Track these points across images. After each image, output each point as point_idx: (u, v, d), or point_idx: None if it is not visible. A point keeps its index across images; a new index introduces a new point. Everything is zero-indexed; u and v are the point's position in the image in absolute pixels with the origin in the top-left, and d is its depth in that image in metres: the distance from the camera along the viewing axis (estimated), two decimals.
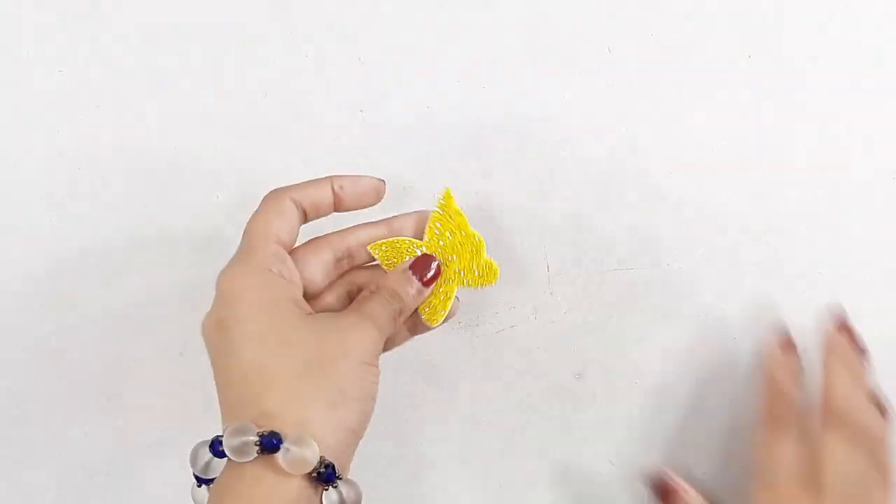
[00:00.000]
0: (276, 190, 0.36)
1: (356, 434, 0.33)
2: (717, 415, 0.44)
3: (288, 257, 0.35)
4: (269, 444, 0.29)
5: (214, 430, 0.45)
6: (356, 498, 0.32)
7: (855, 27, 0.43)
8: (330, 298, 0.37)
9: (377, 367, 0.34)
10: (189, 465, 0.32)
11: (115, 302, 0.45)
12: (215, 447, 0.31)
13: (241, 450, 0.30)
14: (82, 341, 0.44)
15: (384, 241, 0.37)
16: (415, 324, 0.39)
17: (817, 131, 0.44)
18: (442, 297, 0.37)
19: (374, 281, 0.37)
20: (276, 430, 0.30)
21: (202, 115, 0.44)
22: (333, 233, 0.37)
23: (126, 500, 0.46)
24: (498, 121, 0.44)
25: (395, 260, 0.38)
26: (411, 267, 0.37)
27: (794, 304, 0.44)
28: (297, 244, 0.37)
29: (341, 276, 0.38)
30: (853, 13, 0.43)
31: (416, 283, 0.36)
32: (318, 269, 0.36)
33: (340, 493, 0.31)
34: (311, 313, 0.34)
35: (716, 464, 0.45)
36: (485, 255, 0.37)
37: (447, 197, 0.37)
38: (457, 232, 0.37)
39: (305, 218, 0.36)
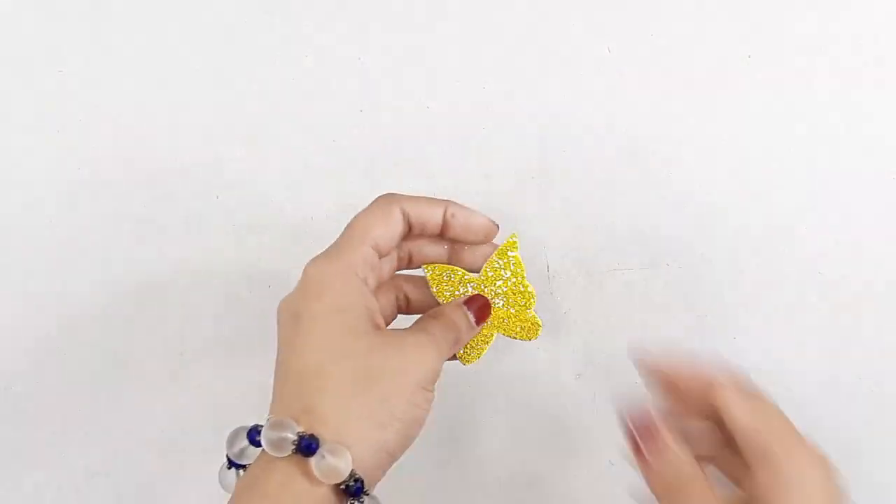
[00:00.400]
0: (388, 194, 0.35)
1: (393, 456, 0.32)
2: None
3: (378, 264, 0.35)
4: (307, 446, 0.29)
5: (215, 429, 0.45)
6: (334, 462, 0.30)
7: (855, 27, 0.43)
8: (381, 300, 0.37)
9: (432, 391, 0.33)
10: (225, 446, 0.32)
11: (115, 302, 0.45)
12: (252, 435, 0.31)
13: (277, 444, 0.30)
14: (82, 341, 0.44)
15: (441, 265, 0.37)
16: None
17: (817, 131, 0.44)
18: (481, 340, 0.38)
19: (435, 307, 0.37)
20: (316, 434, 0.30)
21: (202, 115, 0.44)
22: (399, 198, 0.36)
23: (126, 500, 0.46)
24: (498, 121, 0.44)
25: (444, 287, 0.37)
26: (467, 303, 0.37)
27: (794, 304, 0.44)
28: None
29: (392, 278, 0.38)
30: (853, 13, 0.43)
31: (471, 319, 0.36)
32: (395, 239, 0.35)
33: (323, 457, 0.30)
34: (380, 326, 0.34)
35: None
36: (532, 310, 0.37)
37: (513, 244, 0.37)
38: (512, 280, 0.37)
39: (410, 231, 0.36)
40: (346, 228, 0.35)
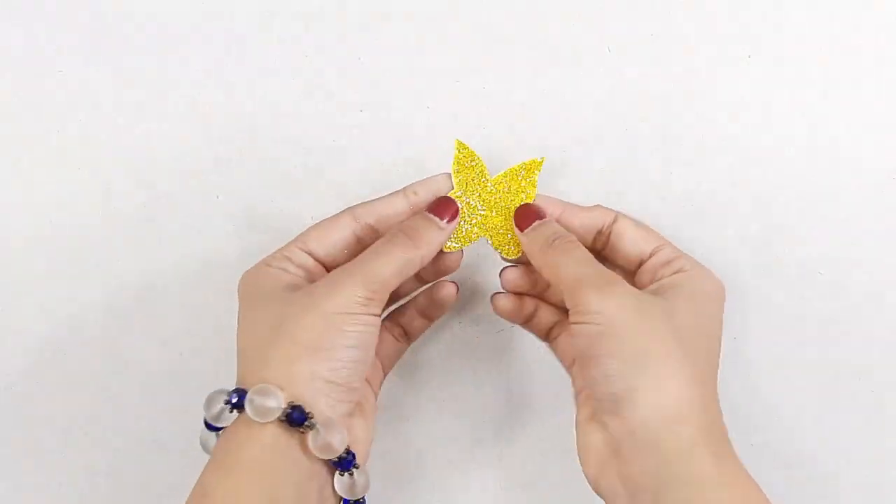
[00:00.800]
0: (349, 207, 0.38)
1: (335, 383, 0.33)
2: None
3: (304, 257, 0.37)
4: (237, 401, 0.32)
5: None
6: (341, 438, 0.32)
7: (855, 27, 0.43)
8: (381, 343, 0.39)
9: (361, 314, 0.34)
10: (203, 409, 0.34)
11: (115, 302, 0.45)
12: (231, 398, 0.33)
13: (218, 416, 0.33)
14: (82, 341, 0.44)
15: (470, 150, 0.39)
16: (428, 307, 0.40)
17: (817, 131, 0.44)
18: (464, 237, 0.39)
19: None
20: (242, 387, 0.32)
21: (201, 115, 0.44)
22: (355, 207, 0.38)
23: (126, 500, 0.46)
24: (498, 121, 0.44)
25: (463, 171, 0.39)
26: (429, 209, 0.37)
27: (794, 304, 0.44)
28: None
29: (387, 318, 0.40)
30: (854, 13, 0.43)
31: (438, 220, 0.37)
32: (338, 244, 0.37)
33: (320, 434, 0.32)
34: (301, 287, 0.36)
35: None
36: None
37: (538, 164, 0.39)
38: (522, 197, 0.39)
39: (376, 234, 0.37)
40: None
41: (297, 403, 0.32)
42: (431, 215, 0.37)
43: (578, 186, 0.44)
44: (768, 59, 0.43)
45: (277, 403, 0.31)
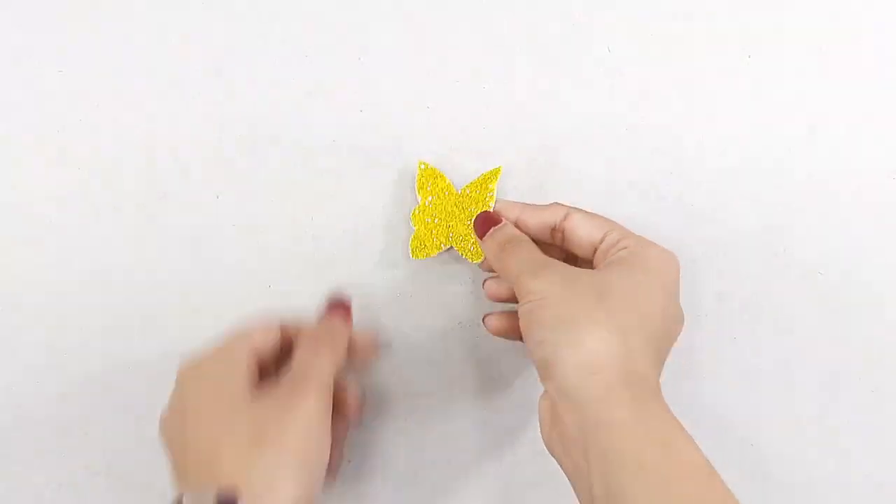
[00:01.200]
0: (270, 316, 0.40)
1: (307, 498, 0.34)
2: (716, 414, 0.44)
3: (253, 358, 0.38)
4: (226, 499, 0.32)
5: None
6: None
7: (855, 27, 0.43)
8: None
9: (326, 423, 0.35)
10: None
11: (114, 302, 0.45)
12: None
13: None
14: (82, 341, 0.44)
15: (432, 168, 0.43)
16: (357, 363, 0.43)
17: (817, 131, 0.44)
18: (434, 246, 0.43)
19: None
20: (232, 493, 0.32)
21: (202, 116, 0.44)
22: (284, 317, 0.40)
23: (126, 500, 0.46)
24: (498, 121, 0.44)
25: (426, 187, 0.43)
26: (327, 311, 0.42)
27: (793, 304, 0.44)
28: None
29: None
30: (853, 13, 0.43)
31: (338, 322, 0.41)
32: (269, 340, 0.39)
33: None
34: (259, 389, 0.36)
35: (715, 463, 0.45)
36: None
37: (494, 174, 0.43)
38: (480, 205, 0.43)
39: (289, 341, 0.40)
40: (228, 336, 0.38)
41: None
42: (334, 317, 0.41)
43: (578, 186, 0.44)
44: (768, 59, 0.43)
45: None
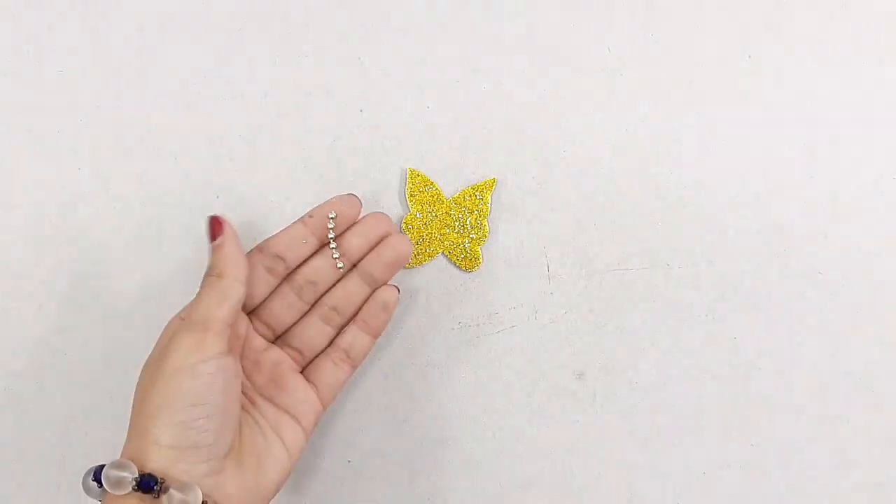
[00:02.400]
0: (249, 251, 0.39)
1: (179, 448, 0.34)
2: (716, 414, 0.44)
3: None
4: (146, 484, 0.33)
5: None
6: (195, 497, 0.33)
7: (855, 27, 0.43)
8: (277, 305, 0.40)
9: (196, 363, 0.34)
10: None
11: (115, 302, 0.45)
12: (96, 474, 0.34)
13: (117, 483, 0.33)
14: (82, 341, 0.44)
15: (423, 176, 0.43)
16: (370, 319, 0.41)
17: (817, 131, 0.44)
18: (426, 254, 0.43)
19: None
20: (154, 475, 0.33)
21: (202, 115, 0.44)
22: (258, 245, 0.39)
23: None
24: (498, 121, 0.44)
25: (417, 196, 0.43)
26: (210, 237, 0.38)
27: (793, 304, 0.44)
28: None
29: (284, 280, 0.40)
30: (853, 13, 0.43)
31: (212, 243, 0.38)
32: (254, 284, 0.38)
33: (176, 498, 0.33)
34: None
35: (715, 463, 0.45)
36: (479, 247, 0.43)
37: (490, 185, 0.43)
38: (476, 214, 0.43)
39: (286, 264, 0.39)
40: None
41: (147, 473, 0.33)
42: (213, 242, 0.38)
43: (578, 186, 0.44)
44: (768, 59, 0.43)
45: (131, 474, 0.33)
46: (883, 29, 0.43)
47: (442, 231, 0.43)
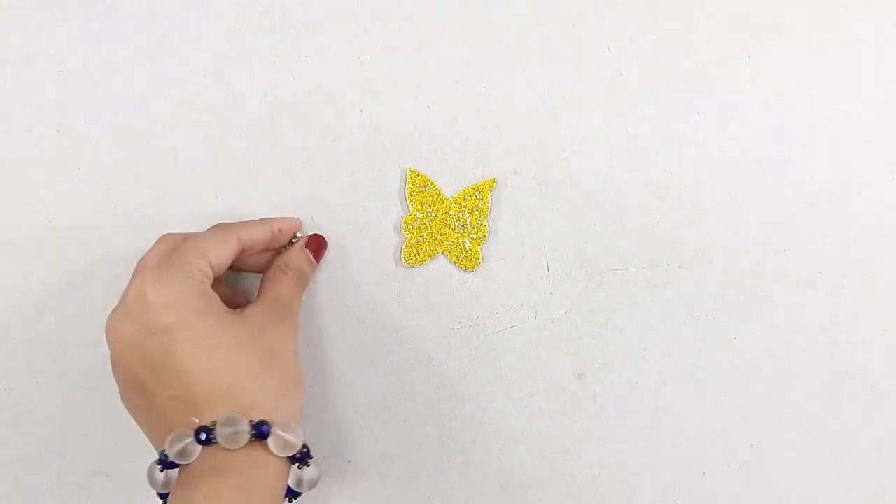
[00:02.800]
0: (222, 224, 0.40)
1: (301, 413, 0.38)
2: (716, 414, 0.44)
3: (210, 272, 0.38)
4: (261, 431, 0.34)
5: None
6: (318, 473, 0.37)
7: (855, 27, 0.43)
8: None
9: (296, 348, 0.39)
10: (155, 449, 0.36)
11: (114, 302, 0.45)
12: (199, 436, 0.34)
13: (233, 438, 0.34)
14: (82, 341, 0.44)
15: (423, 175, 0.43)
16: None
17: (817, 131, 0.44)
18: (426, 254, 0.44)
19: (280, 259, 0.42)
20: (265, 418, 0.34)
21: (202, 115, 0.44)
22: (237, 224, 0.41)
23: (126, 500, 0.46)
24: (498, 121, 0.44)
25: (417, 196, 0.43)
26: (308, 245, 0.43)
27: (794, 304, 0.44)
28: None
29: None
30: (853, 13, 0.43)
31: (313, 260, 0.43)
32: (225, 255, 0.39)
33: (308, 467, 0.37)
34: (234, 312, 0.38)
35: (715, 463, 0.45)
36: (479, 247, 0.44)
37: (490, 185, 0.43)
38: (476, 214, 0.43)
39: (243, 252, 0.41)
40: (181, 248, 0.38)
41: (307, 445, 0.36)
42: (309, 253, 0.43)
43: (578, 186, 0.44)
44: (768, 59, 0.43)
45: (298, 441, 0.35)
46: (883, 28, 0.43)
47: (442, 231, 0.43)
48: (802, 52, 0.43)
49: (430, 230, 0.43)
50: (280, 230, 0.42)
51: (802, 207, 0.44)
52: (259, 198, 0.44)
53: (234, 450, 0.34)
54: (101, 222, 0.44)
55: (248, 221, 0.41)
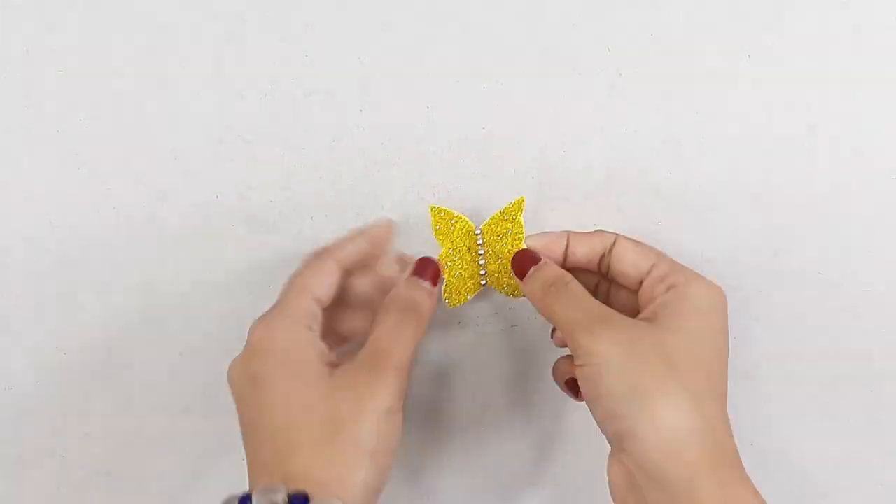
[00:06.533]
0: (320, 250, 0.38)
1: (377, 491, 0.33)
2: None
3: (320, 313, 0.36)
4: (298, 503, 0.31)
5: (215, 430, 0.46)
6: None
7: (855, 27, 0.43)
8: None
9: (398, 412, 0.34)
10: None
11: (115, 302, 0.45)
12: (244, 503, 0.32)
13: None
14: (82, 341, 0.44)
15: (447, 210, 0.41)
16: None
17: (817, 131, 0.44)
18: (468, 288, 0.40)
19: (388, 296, 0.38)
20: (303, 490, 0.31)
21: (202, 115, 0.44)
22: (331, 247, 0.39)
23: (126, 500, 0.46)
24: (498, 121, 0.44)
25: (445, 233, 0.41)
26: (414, 273, 0.38)
27: (794, 304, 0.44)
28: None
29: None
30: (853, 13, 0.43)
31: (426, 285, 0.37)
32: (333, 289, 0.37)
33: None
34: (334, 366, 0.35)
35: None
36: None
37: (519, 205, 0.40)
38: (510, 239, 0.40)
39: (351, 275, 0.38)
40: (284, 287, 0.37)
41: None
42: (421, 281, 0.38)
43: (578, 187, 0.44)
44: (768, 59, 0.43)
45: None
46: (883, 28, 0.43)
47: (478, 262, 0.41)
48: (802, 52, 0.43)
49: (464, 264, 0.41)
50: (374, 236, 0.39)
51: (802, 207, 0.44)
52: (259, 198, 0.44)
53: None
54: (101, 222, 0.44)
55: (339, 240, 0.39)
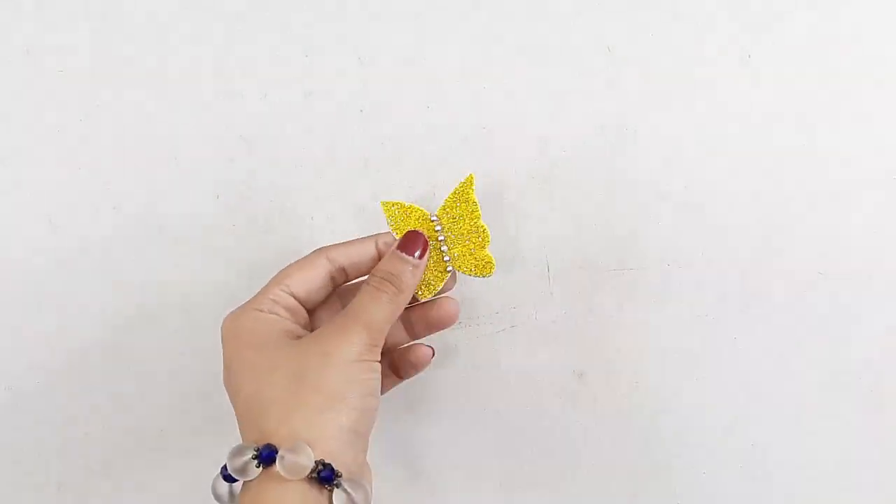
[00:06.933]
0: (320, 248, 0.38)
1: (356, 432, 0.34)
2: (716, 414, 0.44)
3: (289, 298, 0.37)
4: (266, 456, 0.32)
5: (215, 429, 0.46)
6: (364, 495, 0.33)
7: (855, 27, 0.43)
8: (324, 314, 0.39)
9: (371, 360, 0.35)
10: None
11: (114, 301, 0.45)
12: (223, 472, 0.33)
13: (243, 469, 0.32)
14: (82, 341, 0.44)
15: (398, 203, 0.39)
16: (401, 363, 0.41)
17: (817, 131, 0.44)
18: (435, 277, 0.39)
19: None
20: (271, 443, 0.32)
21: (202, 115, 0.44)
22: (327, 249, 0.38)
23: (126, 500, 0.46)
24: (498, 121, 0.44)
25: (402, 225, 0.39)
26: (399, 247, 0.38)
27: (793, 304, 0.44)
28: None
29: (335, 289, 0.39)
30: (853, 13, 0.43)
31: (411, 259, 0.38)
32: (316, 285, 0.38)
33: (347, 492, 0.32)
34: (301, 336, 0.36)
35: (716, 463, 0.45)
36: (487, 250, 0.39)
37: (469, 183, 0.39)
38: (467, 218, 0.39)
39: (346, 276, 0.39)
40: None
41: (326, 462, 0.32)
42: (403, 254, 0.38)
43: (578, 186, 0.44)
44: (768, 59, 0.43)
45: (309, 461, 0.32)
46: (883, 28, 0.43)
47: (439, 250, 0.40)
48: (802, 51, 0.43)
49: (429, 254, 0.40)
50: (387, 244, 0.39)
51: (802, 207, 0.44)
52: (259, 198, 0.44)
53: (254, 481, 0.32)
54: (101, 222, 0.44)
55: (347, 241, 0.39)
